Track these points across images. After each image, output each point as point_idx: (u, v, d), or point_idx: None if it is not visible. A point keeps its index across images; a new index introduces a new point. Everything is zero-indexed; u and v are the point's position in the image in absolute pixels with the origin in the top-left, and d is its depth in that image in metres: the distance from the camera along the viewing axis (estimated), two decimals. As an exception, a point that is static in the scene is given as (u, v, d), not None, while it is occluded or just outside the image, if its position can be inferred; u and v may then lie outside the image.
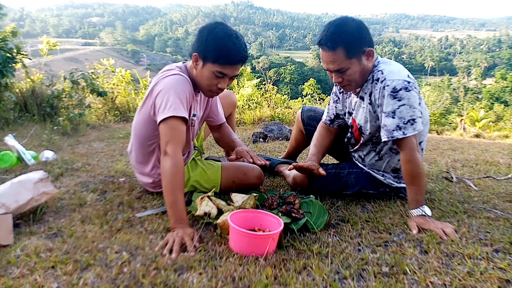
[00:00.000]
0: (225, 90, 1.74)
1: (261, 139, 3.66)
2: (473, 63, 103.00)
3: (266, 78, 7.15)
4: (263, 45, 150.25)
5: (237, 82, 6.66)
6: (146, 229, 1.43)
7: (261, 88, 6.55)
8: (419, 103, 1.53)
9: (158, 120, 1.48)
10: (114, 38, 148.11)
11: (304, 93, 18.31)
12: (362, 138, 1.76)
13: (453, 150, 3.47)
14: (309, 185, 1.85)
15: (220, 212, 1.53)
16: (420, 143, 1.62)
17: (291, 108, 6.22)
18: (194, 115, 1.71)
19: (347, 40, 1.48)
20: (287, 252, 1.27)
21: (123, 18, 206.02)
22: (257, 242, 1.23)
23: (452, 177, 2.25)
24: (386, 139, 1.54)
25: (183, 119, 1.47)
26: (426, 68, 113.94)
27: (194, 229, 1.39)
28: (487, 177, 2.30)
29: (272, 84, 6.64)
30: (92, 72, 5.13)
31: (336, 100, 1.88)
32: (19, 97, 4.24)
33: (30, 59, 4.21)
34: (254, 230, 1.37)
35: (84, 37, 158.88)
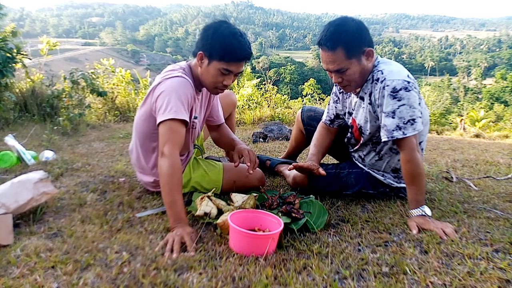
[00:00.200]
0: (225, 90, 1.75)
1: (261, 139, 3.66)
2: (473, 63, 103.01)
3: (266, 78, 7.15)
4: (263, 45, 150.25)
5: (237, 82, 6.66)
6: (146, 229, 1.43)
7: (261, 88, 6.55)
8: (419, 103, 1.53)
9: (158, 121, 1.49)
10: (114, 38, 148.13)
11: (304, 93, 18.31)
12: (362, 138, 1.76)
13: (453, 150, 3.47)
14: (309, 185, 1.85)
15: (220, 212, 1.53)
16: (420, 143, 1.62)
17: (291, 108, 6.22)
18: (195, 118, 1.71)
19: (347, 40, 1.48)
20: (287, 252, 1.27)
21: (123, 18, 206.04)
22: (257, 242, 1.23)
23: (452, 177, 2.25)
24: (386, 139, 1.54)
25: (183, 121, 1.49)
26: (426, 68, 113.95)
27: (194, 229, 1.39)
28: (487, 177, 2.30)
29: (272, 84, 6.64)
30: (92, 72, 5.13)
31: (336, 100, 1.88)
32: (19, 97, 4.24)
33: (30, 59, 4.21)
34: (254, 230, 1.37)
35: (84, 37, 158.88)
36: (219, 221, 1.39)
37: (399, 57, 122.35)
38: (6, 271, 1.08)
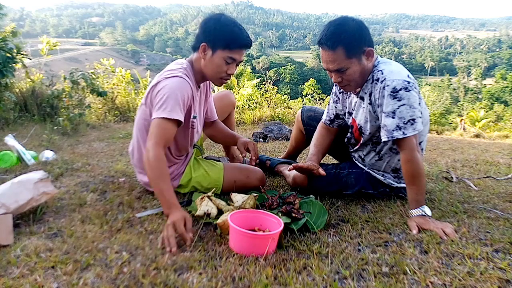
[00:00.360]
0: (224, 90, 1.77)
1: (261, 139, 3.66)
2: (473, 63, 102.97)
3: (266, 78, 7.16)
4: (263, 45, 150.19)
5: (237, 82, 6.66)
6: (146, 229, 1.43)
7: (261, 88, 6.55)
8: (419, 103, 1.53)
9: (152, 117, 1.53)
10: (114, 38, 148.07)
11: (304, 93, 18.32)
12: (362, 138, 1.76)
13: (453, 150, 3.47)
14: (309, 185, 1.85)
15: (220, 212, 1.53)
16: (420, 143, 1.62)
17: (291, 108, 6.22)
18: (194, 117, 1.72)
19: (347, 39, 1.48)
20: (287, 252, 1.27)
21: (123, 18, 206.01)
22: (257, 242, 1.23)
23: (452, 177, 2.25)
24: (386, 139, 1.54)
25: (175, 121, 1.52)
26: (426, 68, 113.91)
27: (194, 229, 1.39)
28: (487, 177, 2.30)
29: (272, 84, 6.64)
30: (92, 72, 5.12)
31: (336, 100, 1.88)
32: (19, 97, 4.24)
33: (30, 59, 4.20)
34: (254, 230, 1.37)
35: (84, 37, 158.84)
36: (219, 221, 1.39)
37: (399, 57, 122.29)
38: (6, 271, 1.08)
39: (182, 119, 1.54)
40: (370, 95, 1.62)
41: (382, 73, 1.54)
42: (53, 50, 5.09)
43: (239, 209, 1.49)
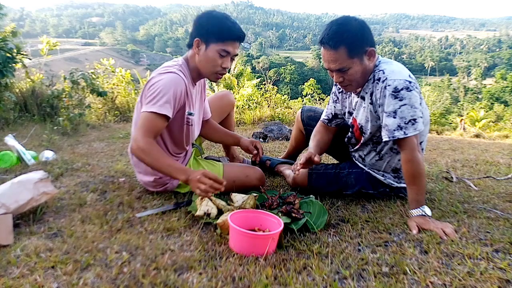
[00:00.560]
0: (224, 90, 1.78)
1: (261, 139, 3.66)
2: (473, 63, 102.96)
3: (266, 78, 7.17)
4: (263, 45, 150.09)
5: (237, 82, 6.66)
6: (146, 229, 1.43)
7: (261, 88, 6.56)
8: (420, 103, 1.53)
9: (142, 110, 1.56)
10: (114, 38, 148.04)
11: (304, 93, 18.32)
12: (362, 138, 1.76)
13: (453, 150, 3.47)
14: (309, 185, 1.85)
15: (220, 212, 1.53)
16: (420, 143, 1.62)
17: (291, 108, 6.22)
18: (190, 114, 1.72)
19: (349, 39, 1.48)
20: (287, 252, 1.27)
21: (123, 18, 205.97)
22: (257, 242, 1.23)
23: (452, 177, 2.25)
24: (387, 139, 1.54)
25: (164, 116, 1.54)
26: (426, 68, 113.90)
27: (194, 229, 1.39)
28: (487, 177, 2.30)
29: (272, 84, 6.65)
30: (92, 72, 5.12)
31: (336, 100, 1.88)
32: (19, 97, 4.24)
33: (30, 59, 4.20)
34: (254, 230, 1.37)
35: (84, 37, 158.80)
36: (219, 221, 1.39)
37: (399, 57, 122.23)
38: (6, 271, 1.08)
39: (170, 114, 1.56)
40: (371, 94, 1.62)
41: (384, 73, 1.54)
42: (53, 50, 5.09)
43: (239, 209, 1.49)
